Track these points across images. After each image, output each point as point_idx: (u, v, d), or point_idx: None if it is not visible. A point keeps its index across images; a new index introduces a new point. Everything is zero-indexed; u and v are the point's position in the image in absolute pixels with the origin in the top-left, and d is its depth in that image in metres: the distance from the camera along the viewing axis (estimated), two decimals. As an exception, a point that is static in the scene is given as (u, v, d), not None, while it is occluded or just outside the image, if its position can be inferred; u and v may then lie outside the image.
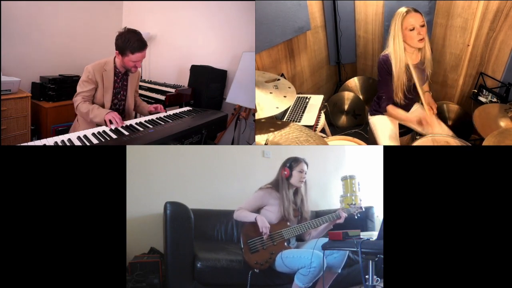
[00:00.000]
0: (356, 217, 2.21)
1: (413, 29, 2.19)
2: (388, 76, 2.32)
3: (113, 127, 2.20)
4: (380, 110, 2.46)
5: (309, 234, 2.22)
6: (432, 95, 2.60)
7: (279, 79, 2.25)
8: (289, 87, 2.16)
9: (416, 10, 2.21)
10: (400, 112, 2.40)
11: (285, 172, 2.14)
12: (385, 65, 2.30)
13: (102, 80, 2.33)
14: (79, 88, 2.32)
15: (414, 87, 2.33)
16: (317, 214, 2.56)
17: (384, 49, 2.35)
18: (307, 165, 2.18)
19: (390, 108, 2.40)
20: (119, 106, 2.50)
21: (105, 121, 2.22)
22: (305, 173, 2.16)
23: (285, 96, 2.08)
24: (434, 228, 1.65)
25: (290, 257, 1.96)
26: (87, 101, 2.32)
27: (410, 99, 2.40)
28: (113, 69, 2.37)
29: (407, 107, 2.49)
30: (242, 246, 2.03)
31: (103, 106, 2.38)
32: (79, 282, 1.63)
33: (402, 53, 2.24)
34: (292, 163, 2.15)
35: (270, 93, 2.10)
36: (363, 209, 2.22)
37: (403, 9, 2.22)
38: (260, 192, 2.16)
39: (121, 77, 2.44)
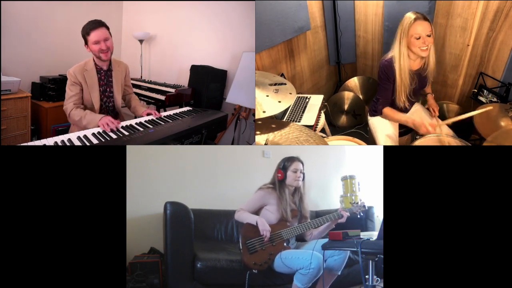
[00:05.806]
0: (358, 216, 2.21)
1: (419, 38, 2.14)
2: (387, 82, 2.30)
3: (109, 130, 2.17)
4: (377, 112, 2.46)
5: (310, 234, 2.22)
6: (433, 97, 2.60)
7: (285, 84, 2.24)
8: (290, 93, 2.15)
9: (425, 18, 2.15)
10: (396, 115, 2.38)
11: (279, 175, 2.13)
12: (386, 70, 2.27)
13: (85, 80, 2.33)
14: (67, 94, 2.33)
15: (415, 91, 2.34)
16: (317, 214, 2.55)
17: (388, 52, 2.31)
18: (302, 163, 2.16)
19: (387, 110, 2.40)
20: (108, 104, 2.49)
21: (99, 126, 2.19)
22: (301, 172, 2.14)
23: (279, 102, 2.07)
24: (434, 228, 1.65)
25: (289, 257, 1.96)
26: (78, 107, 2.31)
27: (411, 102, 2.40)
28: (94, 67, 2.37)
29: (406, 109, 2.49)
30: (241, 246, 2.03)
31: (93, 106, 2.37)
32: (79, 282, 1.63)
33: (406, 58, 2.21)
34: (285, 164, 2.14)
35: (267, 96, 2.10)
36: (366, 208, 2.22)
37: (411, 15, 2.15)
38: (261, 192, 2.16)
39: (104, 73, 2.43)
